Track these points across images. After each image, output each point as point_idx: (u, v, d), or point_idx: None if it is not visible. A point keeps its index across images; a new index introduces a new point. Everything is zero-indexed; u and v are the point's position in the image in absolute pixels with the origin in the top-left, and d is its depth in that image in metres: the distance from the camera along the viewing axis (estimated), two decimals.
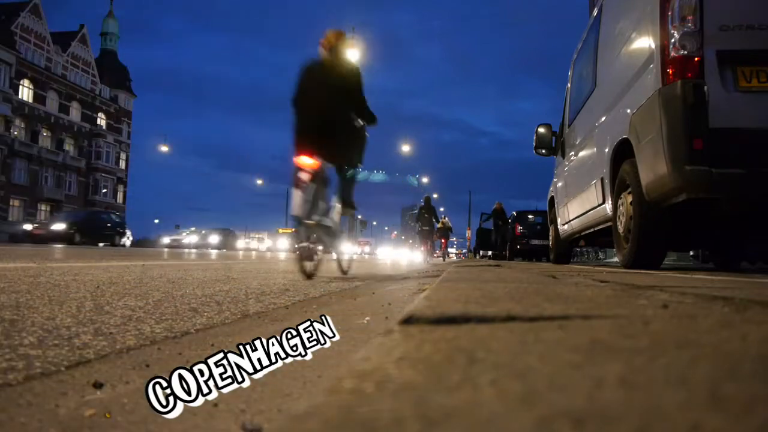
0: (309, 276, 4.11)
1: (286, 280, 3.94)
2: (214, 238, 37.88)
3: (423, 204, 17.93)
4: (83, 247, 19.54)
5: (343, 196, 4.86)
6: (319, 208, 4.45)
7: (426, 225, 17.06)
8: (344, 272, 5.13)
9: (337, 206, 4.83)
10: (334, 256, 5.20)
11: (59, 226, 24.03)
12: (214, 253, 18.33)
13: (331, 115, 4.43)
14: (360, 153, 4.92)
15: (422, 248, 17.29)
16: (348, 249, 5.44)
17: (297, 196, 4.24)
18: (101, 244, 24.74)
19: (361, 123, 4.79)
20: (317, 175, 4.35)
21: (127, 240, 28.07)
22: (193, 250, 22.06)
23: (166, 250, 22.70)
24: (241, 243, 46.09)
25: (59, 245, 19.70)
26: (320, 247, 4.52)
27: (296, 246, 4.23)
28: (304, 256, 4.15)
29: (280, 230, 52.80)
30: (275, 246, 46.66)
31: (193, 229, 43.71)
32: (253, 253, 25.89)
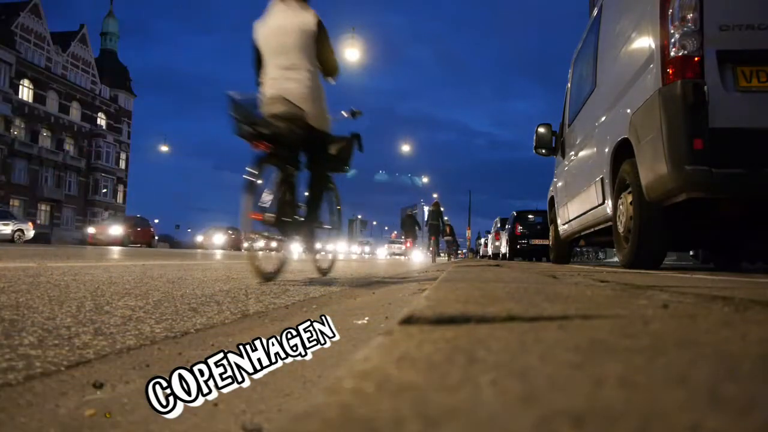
0: None
1: (285, 280, 3.93)
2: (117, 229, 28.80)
3: (432, 209, 19.41)
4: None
5: None
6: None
7: (433, 230, 18.71)
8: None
9: None
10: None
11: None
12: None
13: None
14: None
15: (430, 249, 19.04)
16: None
17: None
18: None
19: None
20: None
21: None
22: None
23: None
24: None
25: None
26: None
27: None
28: None
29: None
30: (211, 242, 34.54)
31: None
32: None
